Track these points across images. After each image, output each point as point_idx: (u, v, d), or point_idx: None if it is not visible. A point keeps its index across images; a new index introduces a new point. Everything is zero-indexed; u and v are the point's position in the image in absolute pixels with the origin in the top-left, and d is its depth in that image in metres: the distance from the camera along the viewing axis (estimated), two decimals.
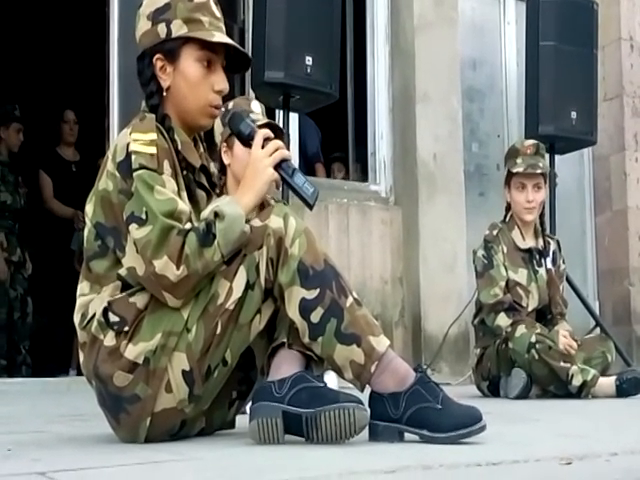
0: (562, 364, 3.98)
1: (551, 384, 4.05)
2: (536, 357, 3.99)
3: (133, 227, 2.12)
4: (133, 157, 2.15)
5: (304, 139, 6.07)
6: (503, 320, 4.17)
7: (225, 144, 3.40)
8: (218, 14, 2.35)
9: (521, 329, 4.08)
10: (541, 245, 4.42)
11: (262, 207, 2.76)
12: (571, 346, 4.05)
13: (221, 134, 3.41)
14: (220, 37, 2.30)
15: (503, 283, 4.25)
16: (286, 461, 1.89)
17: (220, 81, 2.33)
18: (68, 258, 6.14)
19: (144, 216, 2.11)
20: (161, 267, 2.09)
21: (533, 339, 4.02)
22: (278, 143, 2.27)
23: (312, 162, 6.32)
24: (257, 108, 3.37)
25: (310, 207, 2.27)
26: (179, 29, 2.28)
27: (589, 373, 3.98)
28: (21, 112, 6.52)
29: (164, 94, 2.31)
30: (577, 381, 3.96)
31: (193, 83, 2.31)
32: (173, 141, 2.25)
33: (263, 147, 2.26)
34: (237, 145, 3.34)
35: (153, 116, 2.25)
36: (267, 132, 2.30)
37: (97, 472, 1.77)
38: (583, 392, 3.97)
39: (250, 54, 4.38)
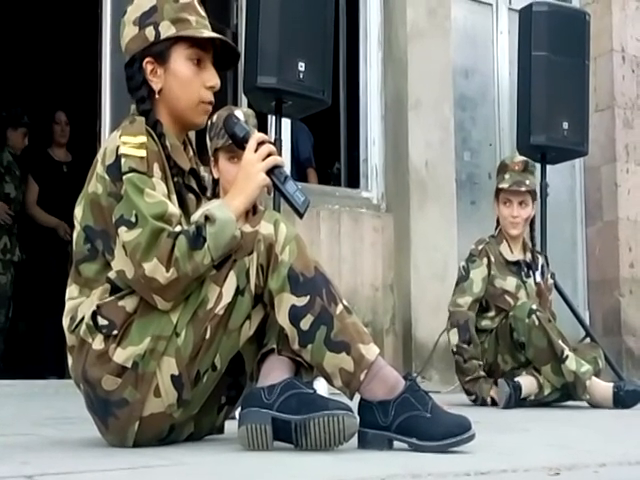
0: (560, 342, 4.03)
1: (547, 362, 4.04)
2: (536, 323, 4.04)
3: (122, 230, 2.11)
4: (123, 160, 2.14)
5: (296, 144, 6.06)
6: (454, 337, 4.24)
7: (212, 158, 3.42)
8: (203, 13, 2.37)
9: (523, 299, 4.18)
10: (529, 258, 4.46)
11: (253, 212, 2.76)
12: None
13: (209, 147, 3.43)
14: (209, 33, 2.32)
15: (470, 298, 4.27)
16: (275, 467, 1.89)
17: (211, 77, 2.33)
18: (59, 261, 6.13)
19: (134, 219, 2.10)
20: (151, 269, 2.08)
21: (534, 307, 4.10)
22: (271, 148, 2.27)
23: (304, 167, 6.31)
24: (240, 117, 3.36)
25: (300, 216, 2.26)
26: (167, 30, 2.28)
27: (583, 366, 4.01)
28: (12, 111, 6.57)
29: (156, 97, 2.30)
30: (571, 365, 3.98)
31: (185, 82, 2.31)
32: (164, 147, 2.25)
33: (256, 151, 2.26)
34: (222, 160, 3.36)
35: (143, 119, 2.25)
36: (262, 136, 2.30)
37: (85, 476, 1.76)
38: (579, 389, 3.98)
39: (242, 59, 4.42)
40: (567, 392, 4.07)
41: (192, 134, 2.62)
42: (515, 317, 4.11)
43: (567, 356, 4.00)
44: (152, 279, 2.08)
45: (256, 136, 2.30)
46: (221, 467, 1.91)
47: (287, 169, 2.41)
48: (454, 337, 4.23)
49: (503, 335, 4.18)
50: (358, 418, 2.13)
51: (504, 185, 4.39)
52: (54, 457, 2.04)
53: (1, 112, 6.63)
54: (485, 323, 4.30)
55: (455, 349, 4.22)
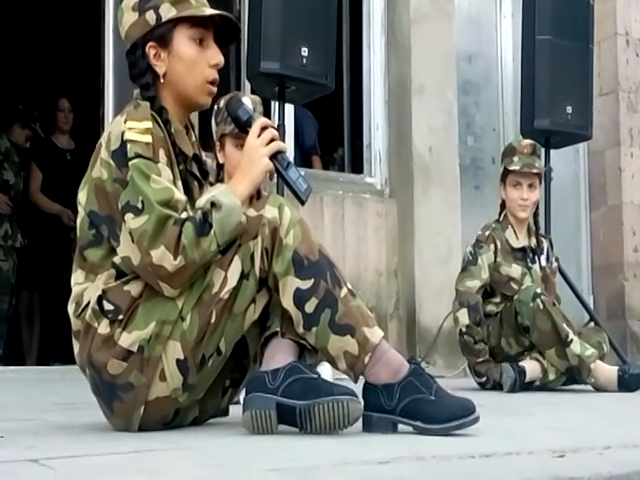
0: (565, 325, 4.02)
1: (552, 346, 4.04)
2: (541, 307, 4.04)
3: (129, 216, 2.11)
4: (128, 146, 2.14)
5: (301, 130, 6.06)
6: (463, 317, 4.21)
7: (218, 143, 3.41)
8: None
9: (527, 282, 4.17)
10: (534, 244, 4.45)
11: (257, 198, 2.76)
12: None
13: (215, 132, 3.42)
14: (211, 11, 2.30)
15: (479, 283, 4.27)
16: (279, 451, 1.89)
17: (215, 55, 2.33)
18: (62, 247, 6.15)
19: (140, 205, 2.10)
20: (158, 257, 2.08)
21: (539, 290, 4.10)
22: (274, 133, 2.26)
23: (309, 154, 6.30)
24: (249, 104, 3.34)
25: (302, 203, 2.26)
26: (168, 12, 2.27)
27: (587, 349, 4.01)
28: (17, 101, 6.58)
29: (161, 81, 2.29)
30: (576, 348, 3.99)
31: (189, 62, 2.30)
32: (170, 134, 2.25)
33: (259, 136, 2.25)
34: (229, 146, 3.36)
35: (147, 104, 2.24)
36: (265, 121, 2.29)
37: (90, 460, 1.77)
38: (583, 372, 3.98)
39: (245, 45, 4.41)
40: (571, 376, 4.07)
41: (195, 119, 2.61)
42: (520, 301, 4.11)
43: (572, 340, 4.01)
44: (160, 267, 2.09)
45: (260, 121, 2.29)
46: (226, 450, 1.91)
47: (290, 155, 2.41)
48: (464, 317, 4.20)
49: (507, 318, 4.17)
50: (362, 402, 2.14)
51: (515, 167, 4.36)
52: (59, 441, 2.04)
53: (18, 104, 6.69)
54: (490, 308, 4.30)
55: (465, 329, 4.19)
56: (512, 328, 4.15)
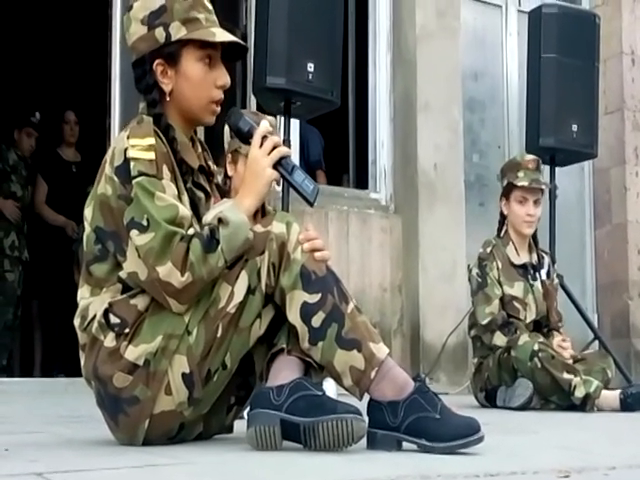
0: (565, 375, 3.97)
1: (553, 394, 4.03)
2: (539, 365, 3.98)
3: (134, 233, 2.11)
4: (132, 164, 2.14)
5: (307, 146, 6.07)
6: (500, 339, 4.20)
7: (230, 156, 3.42)
8: (210, 7, 2.35)
9: (524, 337, 4.08)
10: (535, 260, 4.43)
11: (262, 211, 2.76)
12: (566, 349, 4.13)
13: (228, 143, 3.43)
14: (220, 34, 2.30)
15: (497, 301, 4.26)
16: (284, 468, 1.89)
17: (222, 76, 2.32)
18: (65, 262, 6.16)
19: (145, 222, 2.10)
20: (165, 274, 2.08)
21: (536, 347, 4.01)
22: (275, 140, 2.26)
23: (314, 169, 6.32)
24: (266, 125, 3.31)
25: (310, 204, 2.25)
26: (178, 31, 2.26)
27: (592, 384, 3.95)
28: (22, 113, 6.59)
29: (167, 99, 2.29)
30: (580, 392, 3.94)
31: (197, 83, 2.30)
32: (173, 141, 2.24)
33: (261, 146, 2.25)
34: (241, 163, 3.34)
35: (150, 119, 2.24)
36: (265, 129, 2.27)
37: (94, 474, 1.77)
38: (587, 405, 3.94)
39: (252, 60, 4.43)
40: (574, 407, 4.02)
41: (200, 134, 2.60)
42: (517, 359, 4.05)
43: (574, 386, 3.95)
44: (167, 283, 2.09)
45: (260, 130, 2.27)
46: (230, 467, 1.91)
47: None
48: (499, 339, 4.18)
49: (506, 367, 4.12)
50: (367, 421, 2.12)
51: (523, 183, 4.34)
52: (64, 455, 2.04)
53: (27, 114, 6.68)
54: (495, 342, 4.25)
55: (505, 345, 4.16)
56: (511, 376, 4.10)
